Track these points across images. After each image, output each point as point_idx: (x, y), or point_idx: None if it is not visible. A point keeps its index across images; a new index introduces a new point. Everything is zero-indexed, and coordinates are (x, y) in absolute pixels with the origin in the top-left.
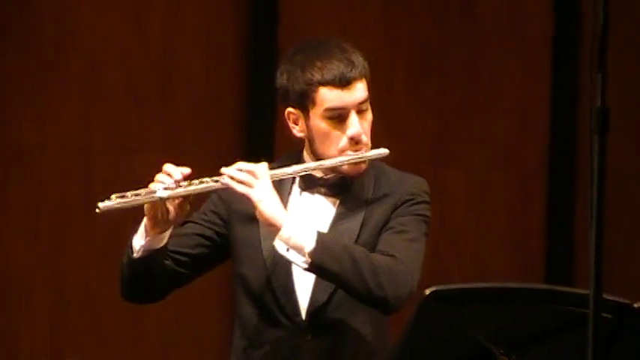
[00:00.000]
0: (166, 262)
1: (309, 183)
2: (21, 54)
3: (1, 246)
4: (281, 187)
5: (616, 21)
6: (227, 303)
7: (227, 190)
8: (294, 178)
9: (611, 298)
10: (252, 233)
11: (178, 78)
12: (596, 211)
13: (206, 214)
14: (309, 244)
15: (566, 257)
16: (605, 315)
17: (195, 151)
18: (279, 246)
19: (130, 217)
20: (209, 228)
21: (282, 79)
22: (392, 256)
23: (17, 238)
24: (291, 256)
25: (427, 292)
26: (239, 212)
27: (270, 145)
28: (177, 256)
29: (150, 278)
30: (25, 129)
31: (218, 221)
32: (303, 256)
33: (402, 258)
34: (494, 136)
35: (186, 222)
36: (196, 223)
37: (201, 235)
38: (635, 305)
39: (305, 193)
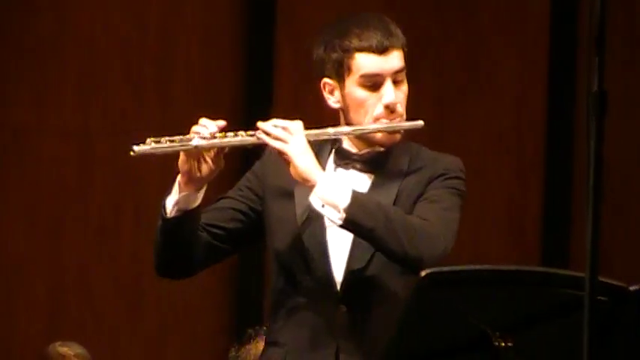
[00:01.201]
0: (201, 234)
1: (343, 158)
2: (19, 38)
3: None
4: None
5: (613, 4)
6: (225, 291)
7: (261, 146)
8: (329, 153)
9: (606, 280)
10: (287, 208)
11: (176, 64)
12: (593, 196)
13: (241, 190)
14: (344, 200)
15: (563, 243)
16: (600, 298)
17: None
18: (315, 201)
19: (129, 201)
20: (244, 203)
21: (319, 50)
22: (426, 220)
23: (14, 223)
24: (326, 211)
25: (422, 274)
26: (273, 188)
27: None
28: (213, 230)
29: (182, 245)
30: (22, 113)
31: (252, 197)
32: (338, 212)
33: (437, 223)
34: (491, 123)
35: (221, 197)
36: (231, 198)
37: (236, 209)
38: (631, 288)
39: (340, 169)
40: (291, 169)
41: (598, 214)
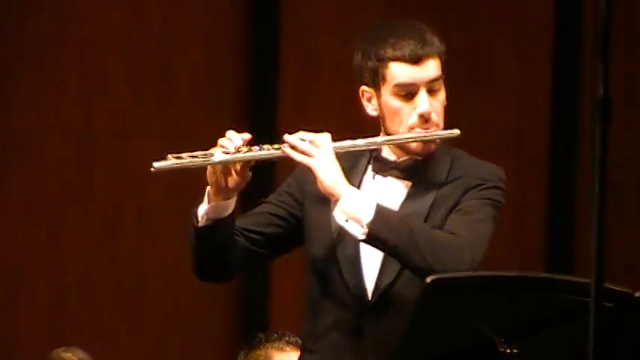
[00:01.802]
0: (239, 239)
1: (382, 166)
2: (20, 40)
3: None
4: (354, 170)
5: (618, 8)
6: (228, 293)
7: (288, 160)
8: (368, 161)
9: (612, 286)
10: (323, 214)
11: (178, 65)
12: (598, 200)
13: (281, 195)
14: (368, 215)
15: (567, 246)
16: (606, 304)
17: (194, 138)
18: (338, 216)
19: (131, 204)
20: (283, 208)
21: (357, 58)
22: (454, 233)
23: (16, 224)
24: (350, 226)
25: (428, 280)
26: (312, 194)
27: (271, 133)
28: (251, 235)
29: (216, 250)
30: (24, 115)
31: (292, 202)
32: (362, 227)
33: (465, 237)
34: (494, 126)
35: (261, 202)
36: (271, 203)
37: (275, 215)
38: (637, 294)
39: (378, 176)
40: (318, 183)
41: (603, 220)
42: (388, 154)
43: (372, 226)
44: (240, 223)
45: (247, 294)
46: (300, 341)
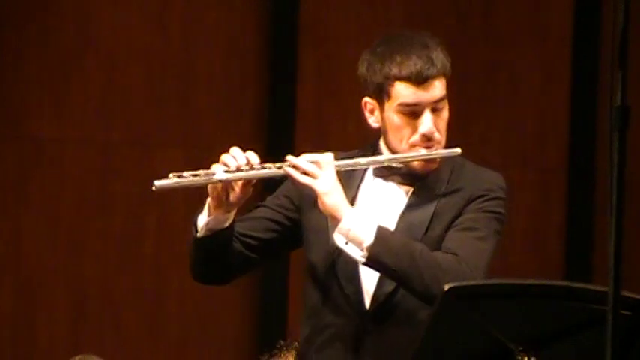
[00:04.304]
0: (235, 244)
1: (383, 170)
2: (41, 49)
3: (20, 241)
4: (354, 173)
5: (637, 18)
6: (247, 301)
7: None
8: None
9: (629, 295)
10: (321, 220)
11: (198, 75)
12: (616, 208)
13: (279, 199)
14: (368, 239)
15: (586, 255)
16: (623, 312)
17: (214, 147)
18: (339, 239)
19: (151, 214)
20: (280, 213)
21: (362, 69)
22: (455, 254)
23: (36, 234)
24: (350, 249)
25: (446, 287)
26: (310, 198)
27: (290, 143)
28: (248, 240)
29: (215, 259)
30: (44, 124)
31: (290, 206)
32: (362, 250)
33: (466, 257)
34: (514, 135)
35: (258, 206)
36: (268, 207)
37: (272, 220)
38: None
39: (378, 180)
40: (319, 205)
41: (620, 228)
42: (385, 157)
43: (372, 249)
44: (237, 227)
45: (266, 301)
46: None
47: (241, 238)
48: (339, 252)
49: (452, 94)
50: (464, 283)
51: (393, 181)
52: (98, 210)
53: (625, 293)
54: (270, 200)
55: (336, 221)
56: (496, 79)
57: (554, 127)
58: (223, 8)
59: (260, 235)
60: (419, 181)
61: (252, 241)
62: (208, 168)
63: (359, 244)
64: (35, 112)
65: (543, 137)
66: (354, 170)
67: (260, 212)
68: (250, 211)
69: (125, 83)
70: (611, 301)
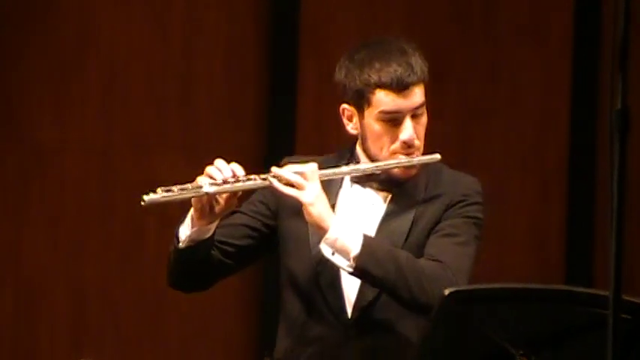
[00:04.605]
0: (213, 252)
1: (361, 176)
2: (41, 55)
3: (21, 246)
4: (332, 180)
5: (637, 21)
6: (249, 304)
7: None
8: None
9: (630, 299)
10: (301, 227)
11: (198, 79)
12: (617, 212)
13: (255, 205)
14: (355, 249)
15: (586, 259)
16: (624, 316)
17: (215, 152)
18: (325, 249)
19: (152, 218)
20: (257, 219)
21: (340, 75)
22: (439, 261)
23: (37, 239)
24: (337, 259)
25: (446, 292)
26: (288, 204)
27: (291, 147)
28: (224, 247)
29: (195, 268)
30: (45, 130)
31: (266, 212)
32: (348, 260)
33: (449, 263)
34: (514, 139)
35: (234, 212)
36: (244, 213)
37: (249, 226)
38: None
39: (356, 186)
40: (305, 215)
41: (621, 232)
42: (367, 165)
43: (359, 259)
44: (215, 234)
45: (268, 306)
46: None
47: (219, 245)
48: (323, 261)
49: (452, 96)
50: (463, 287)
51: (370, 187)
52: (98, 214)
53: (626, 297)
54: (245, 206)
55: (322, 231)
56: (496, 82)
57: (555, 129)
58: (223, 11)
59: (237, 242)
60: (397, 186)
61: (230, 248)
62: (203, 173)
63: (345, 255)
64: (35, 115)
65: (544, 140)
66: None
67: (236, 219)
68: (226, 217)
69: (125, 89)
70: (612, 305)
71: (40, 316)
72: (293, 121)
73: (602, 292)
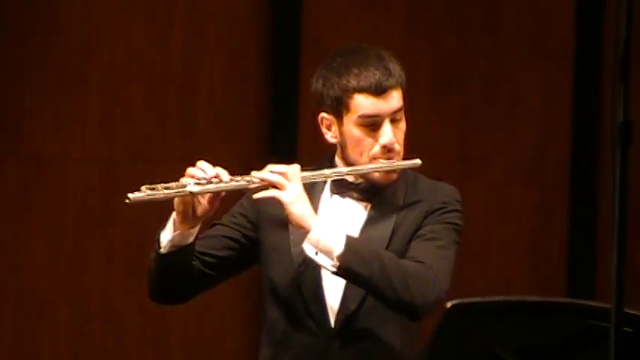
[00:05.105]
0: (194, 262)
1: (340, 187)
2: (43, 66)
3: (22, 257)
4: (312, 190)
5: (639, 33)
6: (251, 315)
7: (257, 191)
8: (325, 181)
9: (632, 311)
10: (282, 237)
11: (200, 90)
12: (618, 225)
13: (235, 217)
14: (338, 248)
15: (588, 271)
16: (626, 329)
17: (215, 163)
18: (308, 249)
19: (153, 228)
20: (237, 230)
21: (317, 84)
22: (421, 262)
23: (39, 250)
24: (320, 259)
25: (448, 305)
26: (268, 215)
27: (293, 156)
28: (205, 258)
29: (176, 276)
30: (46, 141)
31: (247, 224)
32: (332, 259)
33: (432, 264)
34: (515, 150)
35: (215, 224)
36: (225, 225)
37: (229, 238)
38: None
39: (336, 197)
40: (287, 215)
41: (624, 244)
42: (348, 168)
43: (342, 258)
44: (196, 245)
45: None
46: None
47: (200, 256)
48: (303, 270)
49: (453, 108)
50: (466, 300)
51: (350, 197)
52: (100, 226)
53: (628, 310)
54: (226, 218)
55: (304, 231)
56: (498, 93)
57: (556, 142)
58: (225, 23)
59: (218, 253)
60: (376, 196)
61: (210, 259)
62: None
63: (329, 254)
64: (37, 126)
65: (545, 153)
66: (312, 188)
67: (217, 230)
68: (207, 229)
69: (127, 100)
70: (614, 317)
71: (41, 326)
72: (294, 132)
73: (604, 305)
